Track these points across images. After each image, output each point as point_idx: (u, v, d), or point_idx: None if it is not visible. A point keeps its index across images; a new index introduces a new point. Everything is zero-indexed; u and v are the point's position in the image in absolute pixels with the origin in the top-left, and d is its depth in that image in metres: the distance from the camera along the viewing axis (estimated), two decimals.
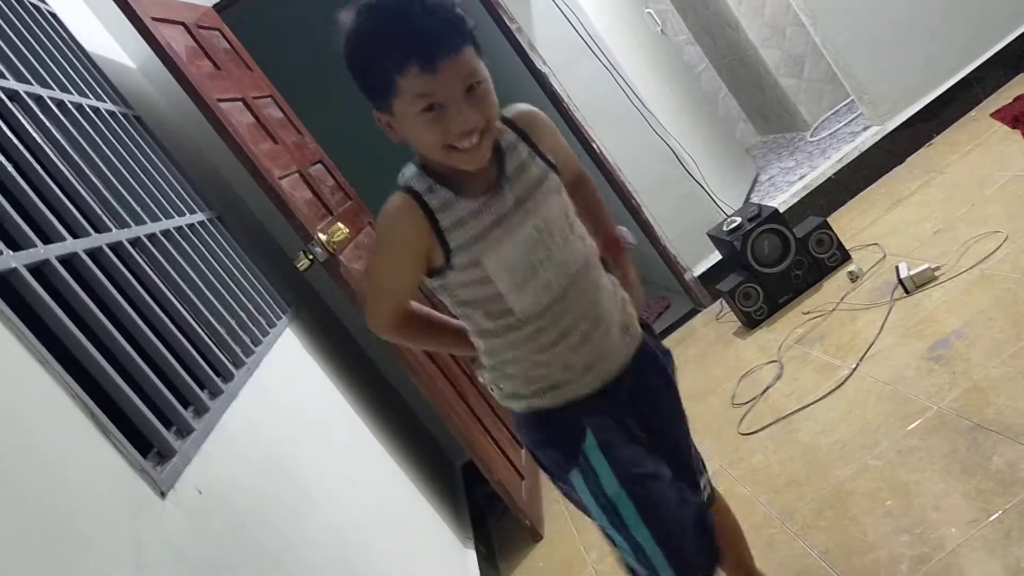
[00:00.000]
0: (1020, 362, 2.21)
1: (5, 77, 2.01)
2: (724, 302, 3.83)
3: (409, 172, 1.44)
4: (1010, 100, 3.83)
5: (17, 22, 2.32)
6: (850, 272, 3.34)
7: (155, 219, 2.37)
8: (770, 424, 2.76)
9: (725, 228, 3.67)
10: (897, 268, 2.99)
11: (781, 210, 3.81)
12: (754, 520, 2.33)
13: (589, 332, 1.50)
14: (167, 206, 2.54)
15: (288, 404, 2.47)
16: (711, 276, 4.14)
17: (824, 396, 2.69)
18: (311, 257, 2.95)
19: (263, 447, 2.05)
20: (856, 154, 4.27)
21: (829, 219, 3.74)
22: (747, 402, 2.99)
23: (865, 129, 4.42)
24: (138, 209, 2.28)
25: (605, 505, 1.51)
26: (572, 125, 4.10)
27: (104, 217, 2.01)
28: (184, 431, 1.72)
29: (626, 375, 1.58)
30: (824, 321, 3.18)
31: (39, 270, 1.57)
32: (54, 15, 2.76)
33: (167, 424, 1.67)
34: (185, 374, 1.89)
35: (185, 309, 2.15)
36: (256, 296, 2.78)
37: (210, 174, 3.58)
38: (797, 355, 3.08)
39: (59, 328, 1.50)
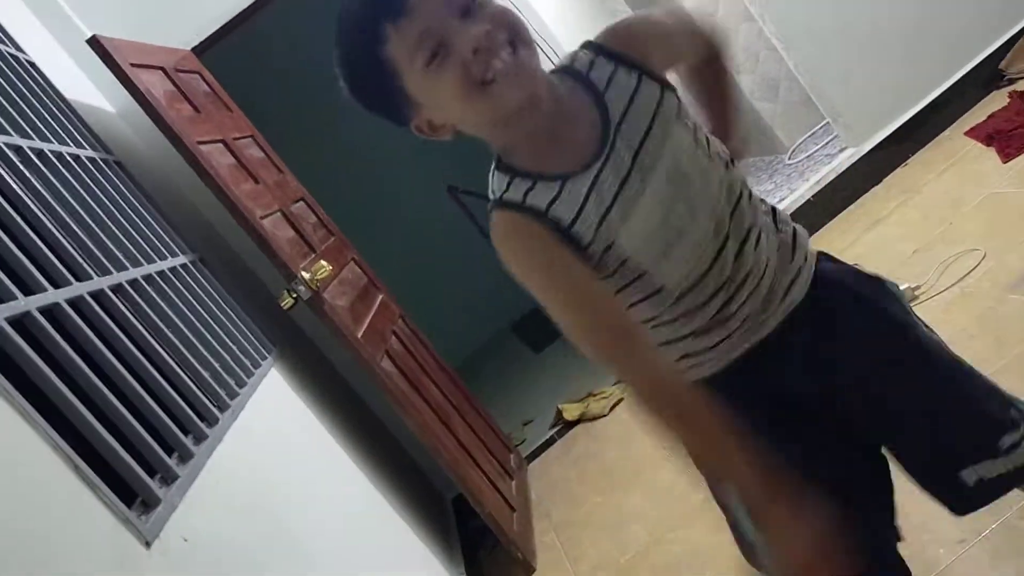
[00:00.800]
0: (1003, 379, 2.20)
1: None
2: None
3: (496, 181, 1.16)
4: (983, 118, 3.88)
5: None
6: None
7: (136, 264, 2.36)
8: None
9: None
10: None
11: None
12: None
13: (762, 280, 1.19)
14: (148, 250, 2.54)
15: (274, 445, 2.46)
16: None
17: None
18: (295, 296, 2.96)
19: (250, 491, 2.04)
20: (833, 176, 4.31)
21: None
22: None
23: (841, 151, 4.47)
24: (119, 255, 2.28)
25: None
26: None
27: (85, 265, 2.01)
28: (169, 478, 1.71)
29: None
30: None
31: (20, 322, 1.57)
32: (32, 64, 2.77)
33: (151, 472, 1.66)
34: (169, 420, 1.89)
35: (168, 354, 2.15)
36: (240, 337, 2.78)
37: (192, 216, 3.58)
38: None
39: (41, 380, 1.50)
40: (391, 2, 1.06)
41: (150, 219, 2.78)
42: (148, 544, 1.44)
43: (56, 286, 1.80)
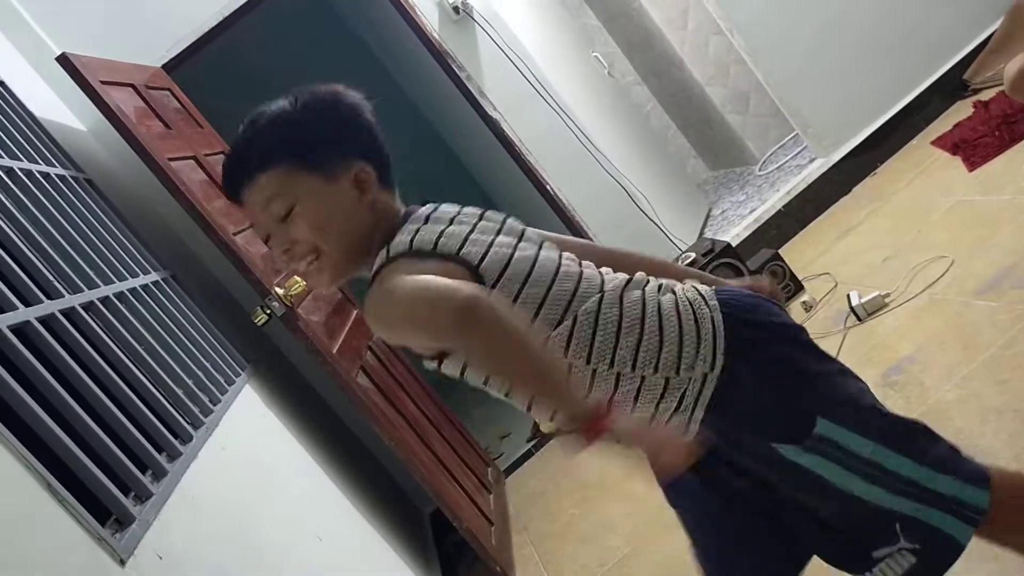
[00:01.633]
0: (973, 384, 2.26)
1: None
2: None
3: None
4: (949, 127, 3.94)
5: None
6: (803, 302, 3.40)
7: (108, 282, 2.35)
8: None
9: (681, 264, 3.71)
10: (849, 296, 3.05)
11: (734, 243, 3.88)
12: None
13: None
14: (120, 268, 2.52)
15: (249, 462, 2.44)
16: None
17: None
18: (269, 312, 2.94)
19: (225, 507, 2.02)
20: (803, 186, 4.36)
21: (781, 251, 3.81)
22: None
23: (811, 161, 4.53)
24: (90, 272, 2.26)
25: None
26: (525, 168, 4.15)
27: (56, 283, 1.99)
28: (143, 496, 1.69)
29: None
30: None
31: None
32: (1, 82, 2.75)
33: (125, 490, 1.65)
34: (142, 438, 1.87)
35: (141, 371, 2.13)
36: (214, 354, 2.76)
37: (164, 233, 3.56)
38: None
39: (13, 399, 1.48)
40: (225, 186, 1.30)
41: (121, 236, 2.76)
42: (123, 562, 1.42)
43: (27, 304, 1.78)
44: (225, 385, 2.67)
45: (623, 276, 1.27)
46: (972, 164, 3.43)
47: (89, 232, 2.48)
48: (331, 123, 1.29)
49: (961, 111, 4.03)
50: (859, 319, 2.97)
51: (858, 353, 2.80)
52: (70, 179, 2.70)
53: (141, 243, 2.91)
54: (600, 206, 4.24)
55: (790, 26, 4.25)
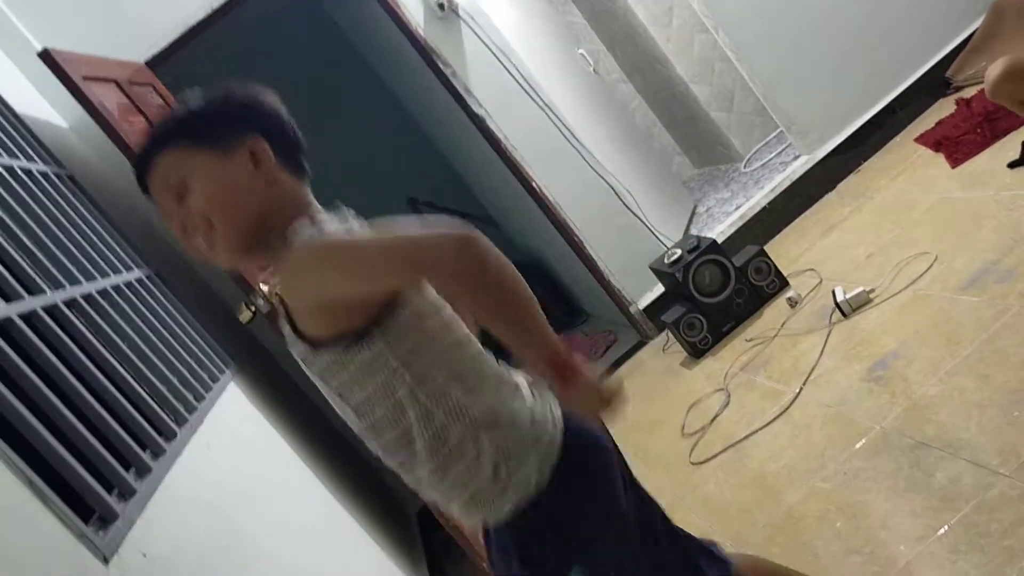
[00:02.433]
0: (956, 379, 2.27)
1: None
2: (669, 333, 3.88)
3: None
4: (932, 125, 3.96)
5: None
6: (789, 298, 3.41)
7: (91, 278, 2.33)
8: (720, 452, 2.79)
9: (666, 260, 3.73)
10: (834, 292, 3.06)
11: (719, 240, 3.88)
12: None
13: None
14: (103, 265, 2.50)
15: (234, 459, 2.43)
16: (655, 308, 4.19)
17: (770, 422, 2.73)
18: (253, 309, 2.92)
19: (209, 505, 2.01)
20: (788, 183, 4.37)
21: (766, 247, 3.82)
22: (697, 432, 3.01)
23: (795, 159, 4.54)
24: (73, 269, 2.24)
25: None
26: (511, 165, 4.14)
27: (38, 279, 1.97)
28: (126, 493, 1.68)
29: None
30: (767, 348, 3.23)
31: None
32: None
33: (108, 487, 1.63)
34: (125, 435, 1.85)
35: (123, 368, 2.11)
36: (198, 351, 2.74)
37: (147, 230, 3.53)
38: (743, 382, 3.13)
39: None
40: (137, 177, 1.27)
41: (104, 233, 2.73)
42: (106, 560, 1.41)
43: (8, 300, 1.76)
44: (209, 383, 2.65)
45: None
46: (955, 161, 3.45)
47: (72, 229, 2.46)
48: (229, 104, 1.29)
49: (944, 108, 4.06)
50: (844, 315, 2.98)
51: (844, 348, 2.81)
52: (52, 175, 2.68)
53: (124, 240, 2.89)
54: (586, 203, 4.24)
55: (775, 24, 4.26)
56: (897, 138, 4.28)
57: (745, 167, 5.51)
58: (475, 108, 4.11)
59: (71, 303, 2.08)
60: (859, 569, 1.93)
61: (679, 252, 3.69)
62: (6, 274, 1.84)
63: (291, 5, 5.62)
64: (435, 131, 5.85)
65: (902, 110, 4.32)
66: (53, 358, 1.77)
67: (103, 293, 2.34)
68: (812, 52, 4.29)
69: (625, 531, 1.29)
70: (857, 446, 2.31)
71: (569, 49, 5.38)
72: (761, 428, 2.74)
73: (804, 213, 4.30)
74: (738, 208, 4.59)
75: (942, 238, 2.98)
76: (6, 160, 2.36)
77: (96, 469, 1.64)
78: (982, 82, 3.92)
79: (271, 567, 2.08)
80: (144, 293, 2.67)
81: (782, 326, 3.29)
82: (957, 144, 3.54)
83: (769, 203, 4.37)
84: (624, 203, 4.26)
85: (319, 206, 1.30)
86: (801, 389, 2.76)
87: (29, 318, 1.80)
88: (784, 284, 3.62)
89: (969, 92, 3.96)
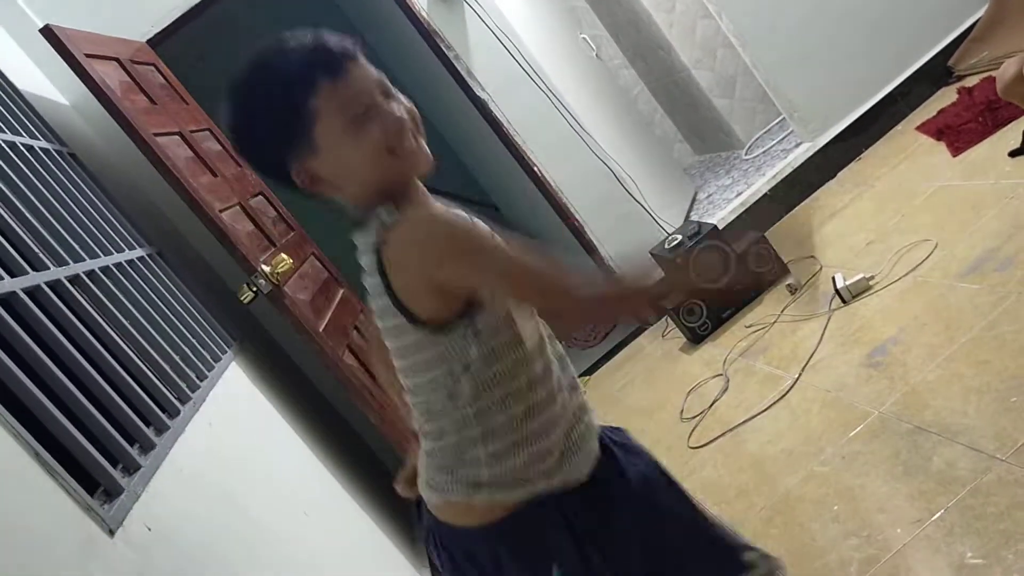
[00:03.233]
0: (954, 365, 2.29)
1: None
2: (669, 319, 3.89)
3: (386, 214, 1.20)
4: (934, 113, 3.96)
5: None
6: (789, 285, 3.42)
7: (94, 256, 2.33)
8: (718, 437, 2.81)
9: (667, 246, 3.73)
10: (834, 279, 3.07)
11: (720, 227, 3.89)
12: None
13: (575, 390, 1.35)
14: (105, 243, 2.51)
15: (236, 437, 2.44)
16: None
17: (769, 407, 2.75)
18: (255, 289, 2.93)
19: (212, 481, 2.02)
20: (789, 170, 4.38)
21: (767, 234, 3.83)
22: (695, 416, 3.03)
23: (797, 146, 4.54)
24: (76, 246, 2.25)
25: None
26: (513, 149, 4.14)
27: (41, 255, 1.98)
28: (131, 468, 1.69)
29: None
30: (766, 333, 3.24)
31: None
32: None
33: (113, 462, 1.65)
34: (130, 411, 1.87)
35: (127, 345, 2.12)
36: (200, 331, 2.75)
37: (149, 209, 3.53)
38: (742, 368, 3.14)
39: (1, 369, 1.47)
40: (332, 62, 1.19)
41: (106, 212, 2.74)
42: (111, 532, 1.42)
43: (12, 275, 1.77)
44: (212, 362, 2.66)
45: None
46: (956, 149, 3.46)
47: (74, 206, 2.46)
48: None
49: (946, 97, 4.05)
50: (844, 301, 2.99)
51: (843, 334, 2.82)
52: (54, 152, 2.68)
53: (126, 219, 2.89)
54: (588, 188, 4.24)
55: (778, 11, 4.25)
56: (899, 126, 4.28)
57: (746, 154, 5.51)
58: (478, 92, 4.11)
59: (74, 279, 2.08)
60: (855, 551, 1.95)
61: (679, 238, 3.70)
62: (10, 249, 1.84)
63: None
64: (437, 114, 5.84)
65: (904, 98, 4.32)
66: (57, 333, 1.77)
67: (106, 271, 2.34)
68: (815, 39, 4.28)
69: None
70: (855, 431, 2.33)
71: (572, 34, 5.37)
72: (760, 413, 2.75)
73: (805, 200, 4.30)
74: (739, 195, 4.59)
75: (942, 226, 2.99)
76: (8, 136, 2.36)
77: (101, 444, 1.65)
78: (985, 71, 3.94)
79: (274, 543, 2.09)
80: (146, 271, 2.67)
81: (782, 312, 3.30)
82: (958, 133, 3.54)
83: (770, 190, 4.37)
84: (625, 188, 4.26)
85: None
86: (800, 375, 2.78)
87: (33, 293, 1.81)
88: (784, 271, 3.63)
89: (971, 81, 3.96)
